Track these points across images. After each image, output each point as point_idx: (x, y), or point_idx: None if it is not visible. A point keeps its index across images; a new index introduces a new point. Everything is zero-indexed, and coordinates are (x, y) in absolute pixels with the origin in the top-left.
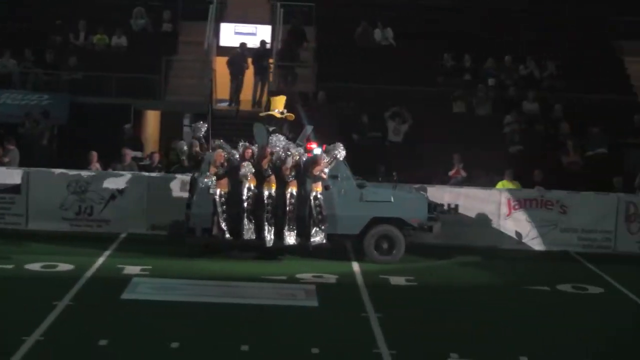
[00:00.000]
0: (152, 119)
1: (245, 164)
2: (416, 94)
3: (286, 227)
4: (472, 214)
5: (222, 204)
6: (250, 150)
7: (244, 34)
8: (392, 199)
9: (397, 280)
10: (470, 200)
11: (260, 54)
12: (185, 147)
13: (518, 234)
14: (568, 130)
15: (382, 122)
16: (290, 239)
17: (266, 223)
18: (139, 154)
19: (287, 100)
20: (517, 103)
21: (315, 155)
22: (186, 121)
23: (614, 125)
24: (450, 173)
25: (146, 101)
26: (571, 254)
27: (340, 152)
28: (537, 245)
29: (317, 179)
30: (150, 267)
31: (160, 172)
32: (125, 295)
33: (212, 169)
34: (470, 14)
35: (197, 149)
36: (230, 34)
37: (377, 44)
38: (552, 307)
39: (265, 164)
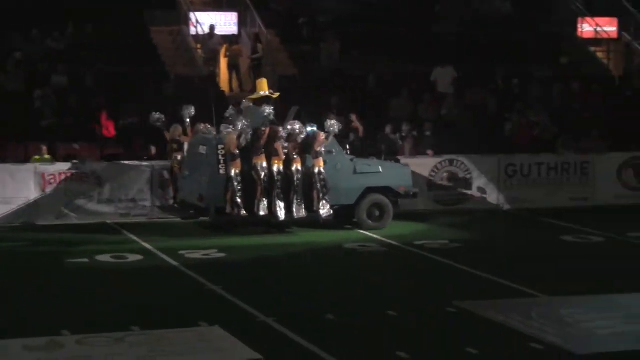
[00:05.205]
0: None
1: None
2: None
3: (295, 202)
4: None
5: (238, 183)
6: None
7: None
8: (381, 170)
9: None
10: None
11: None
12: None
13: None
14: (102, 102)
15: None
16: (300, 212)
17: (277, 199)
18: None
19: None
20: (47, 77)
21: (315, 132)
22: None
23: (143, 95)
24: None
25: None
26: (110, 224)
27: (335, 128)
28: (75, 218)
29: (318, 154)
30: None
31: None
32: None
33: (230, 150)
34: None
35: (180, 132)
36: None
37: None
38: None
39: (278, 144)
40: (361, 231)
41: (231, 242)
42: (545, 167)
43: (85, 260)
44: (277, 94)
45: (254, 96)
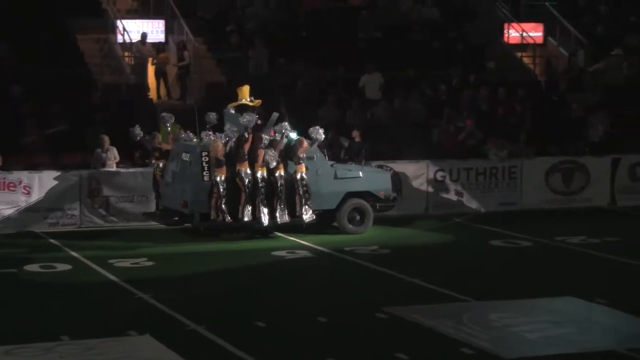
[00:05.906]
0: None
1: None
2: None
3: (279, 208)
4: None
5: (224, 189)
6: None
7: None
8: (361, 175)
9: None
10: None
11: None
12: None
13: None
14: (29, 110)
15: None
16: (284, 218)
17: (261, 205)
18: None
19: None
20: None
21: (299, 139)
22: None
23: (73, 102)
24: None
25: None
26: (38, 234)
27: (321, 135)
28: (3, 228)
29: (301, 160)
30: None
31: None
32: None
33: (216, 156)
34: None
35: (160, 139)
36: None
37: None
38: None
39: (261, 151)
40: (290, 237)
41: (160, 250)
42: (473, 172)
43: (14, 270)
44: (257, 102)
45: (234, 103)
